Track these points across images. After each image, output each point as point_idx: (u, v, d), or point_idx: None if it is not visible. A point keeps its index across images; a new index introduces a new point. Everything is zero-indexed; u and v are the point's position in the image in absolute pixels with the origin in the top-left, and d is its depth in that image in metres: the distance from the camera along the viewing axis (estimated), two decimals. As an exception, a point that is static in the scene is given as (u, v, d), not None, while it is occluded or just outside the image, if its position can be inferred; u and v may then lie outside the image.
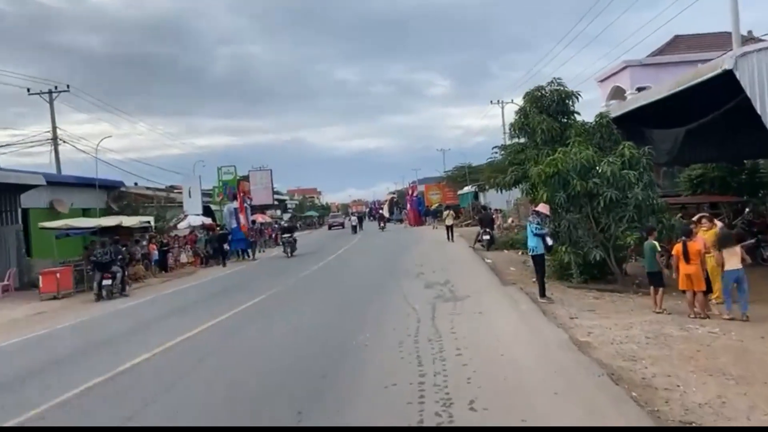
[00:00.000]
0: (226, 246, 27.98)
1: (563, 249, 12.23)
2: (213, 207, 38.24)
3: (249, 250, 28.98)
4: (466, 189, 53.29)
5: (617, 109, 16.36)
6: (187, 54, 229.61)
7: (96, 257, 16.35)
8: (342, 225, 56.39)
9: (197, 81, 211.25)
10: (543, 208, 11.14)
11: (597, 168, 12.71)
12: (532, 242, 10.86)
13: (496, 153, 34.02)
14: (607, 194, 11.98)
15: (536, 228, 10.80)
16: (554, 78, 15.88)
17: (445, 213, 33.61)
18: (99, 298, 16.09)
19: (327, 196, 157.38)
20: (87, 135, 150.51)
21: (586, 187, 12.25)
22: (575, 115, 15.93)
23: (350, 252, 26.41)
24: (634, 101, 15.79)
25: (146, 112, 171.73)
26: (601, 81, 32.39)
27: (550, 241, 11.02)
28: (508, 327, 8.64)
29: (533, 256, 11.08)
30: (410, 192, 61.08)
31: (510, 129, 16.86)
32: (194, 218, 31.38)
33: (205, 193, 38.68)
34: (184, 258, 25.92)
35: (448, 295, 11.63)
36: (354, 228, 46.33)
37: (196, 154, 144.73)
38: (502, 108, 58.23)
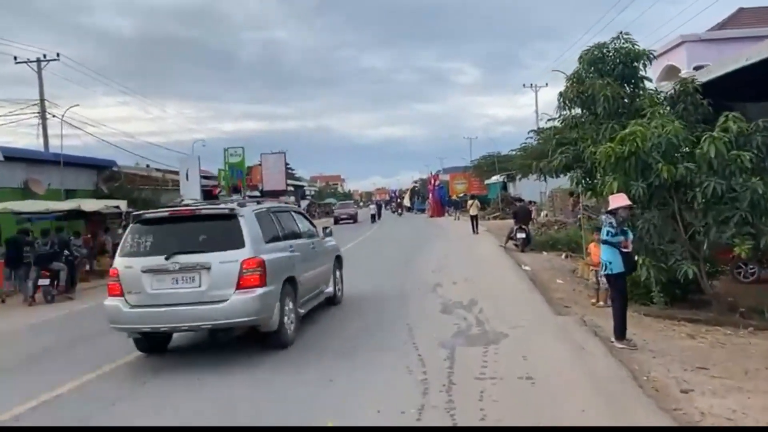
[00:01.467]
0: None
1: (640, 261, 8.60)
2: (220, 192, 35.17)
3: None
4: (495, 178, 49.45)
5: (701, 76, 12.57)
6: (215, 39, 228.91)
7: (31, 250, 13.18)
8: (353, 219, 46.08)
9: (225, 66, 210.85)
10: (619, 200, 7.47)
11: (686, 148, 9.09)
12: (607, 255, 7.20)
13: (531, 138, 30.26)
14: (709, 185, 8.32)
15: (611, 232, 7.15)
16: (620, 32, 12.08)
17: (470, 202, 30.06)
18: (33, 301, 12.92)
19: (350, 184, 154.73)
20: (115, 119, 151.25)
21: (675, 175, 8.62)
22: (645, 81, 12.19)
23: (359, 247, 23.00)
24: (723, 65, 11.95)
25: (175, 96, 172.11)
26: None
27: (633, 254, 7.38)
28: (584, 417, 4.81)
29: (607, 277, 7.43)
30: (432, 181, 57.39)
31: (560, 100, 13.01)
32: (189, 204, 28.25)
33: (208, 176, 35.66)
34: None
35: (474, 331, 7.92)
36: (372, 217, 44.33)
37: (223, 140, 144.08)
38: (536, 92, 54.35)
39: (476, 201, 29.80)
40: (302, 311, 8.28)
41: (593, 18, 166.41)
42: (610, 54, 11.99)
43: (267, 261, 7.08)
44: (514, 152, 31.02)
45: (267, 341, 7.34)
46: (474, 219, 27.36)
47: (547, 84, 55.32)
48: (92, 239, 17.74)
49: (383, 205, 66.84)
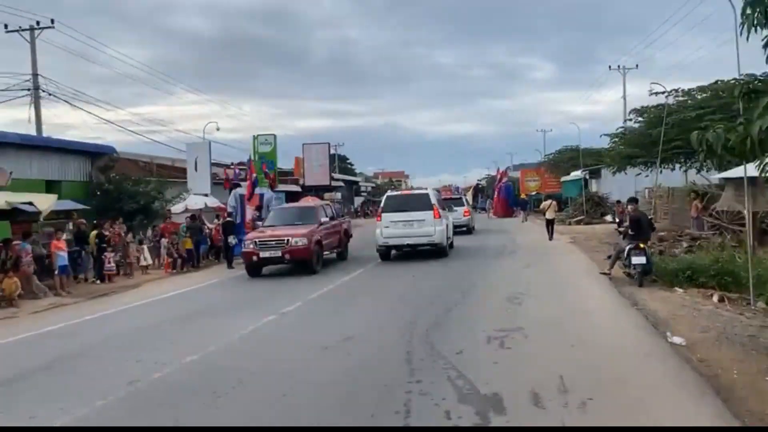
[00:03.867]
0: (231, 239, 19.30)
1: None
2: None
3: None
4: (574, 174, 41.95)
5: None
6: (290, 38, 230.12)
7: None
8: None
9: (299, 65, 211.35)
10: None
11: None
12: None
13: (631, 120, 23.04)
14: None
15: None
16: None
17: (545, 203, 23.68)
18: None
19: (416, 181, 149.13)
20: (197, 115, 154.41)
21: None
22: None
23: (391, 265, 16.73)
24: None
25: (251, 94, 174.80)
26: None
27: None
28: None
29: None
30: (499, 178, 50.32)
31: (742, 22, 6.22)
32: (195, 199, 22.94)
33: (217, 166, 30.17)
34: (149, 258, 17.41)
35: None
36: None
37: (296, 137, 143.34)
38: (624, 74, 46.35)
39: (553, 201, 23.62)
40: (451, 240, 18.51)
41: (672, 10, 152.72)
42: None
43: (442, 214, 16.94)
44: (611, 140, 23.72)
45: (440, 253, 16.68)
46: (550, 224, 22.33)
47: (637, 66, 47.32)
48: (2, 249, 12.39)
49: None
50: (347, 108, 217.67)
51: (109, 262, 15.22)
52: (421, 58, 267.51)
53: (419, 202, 17.00)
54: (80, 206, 17.82)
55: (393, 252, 17.15)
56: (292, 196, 39.25)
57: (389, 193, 19.54)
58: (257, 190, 23.10)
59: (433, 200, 17.04)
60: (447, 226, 17.56)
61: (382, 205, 17.77)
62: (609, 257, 12.61)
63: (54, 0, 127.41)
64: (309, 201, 38.80)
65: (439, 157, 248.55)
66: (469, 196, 65.32)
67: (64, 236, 14.84)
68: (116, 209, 22.91)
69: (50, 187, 21.60)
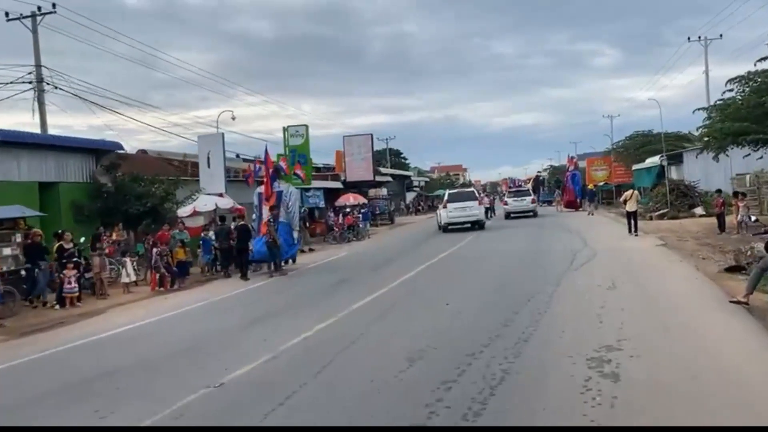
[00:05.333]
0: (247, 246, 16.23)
1: None
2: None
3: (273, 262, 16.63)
4: (650, 161, 36.73)
5: None
6: (346, 35, 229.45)
7: None
8: None
9: (356, 62, 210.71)
10: None
11: None
12: None
13: (732, 91, 18.24)
14: None
15: None
16: None
17: (627, 193, 20.33)
18: None
19: (474, 174, 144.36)
20: (256, 116, 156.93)
21: None
22: None
23: (411, 285, 13.02)
24: None
25: (310, 93, 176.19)
26: None
27: None
28: None
29: None
30: (569, 166, 45.26)
31: None
32: (205, 199, 19.88)
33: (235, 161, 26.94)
34: (132, 274, 14.32)
35: None
36: (487, 211, 34.91)
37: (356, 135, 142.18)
38: (705, 46, 40.59)
39: (635, 192, 21.01)
40: (490, 220, 32.44)
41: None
42: None
43: (481, 203, 28.94)
44: (707, 116, 19.01)
45: (482, 227, 26.14)
46: (632, 216, 19.51)
47: (721, 36, 41.43)
48: None
49: (495, 199, 55.77)
50: (405, 103, 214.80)
51: (70, 282, 12.18)
52: (479, 49, 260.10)
53: (469, 195, 28.26)
54: (32, 213, 14.88)
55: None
56: (332, 194, 36.00)
57: (450, 190, 32.40)
58: (276, 187, 19.74)
59: (476, 194, 29.50)
60: (483, 209, 29.91)
61: (446, 198, 28.19)
62: (733, 268, 8.46)
63: (119, 4, 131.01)
64: (350, 199, 35.71)
65: (499, 150, 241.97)
66: (530, 189, 60.82)
67: (8, 251, 11.88)
68: (121, 212, 20.27)
69: (45, 190, 19.09)
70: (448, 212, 26.34)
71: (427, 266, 14.80)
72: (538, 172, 68.14)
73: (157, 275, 14.33)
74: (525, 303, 8.97)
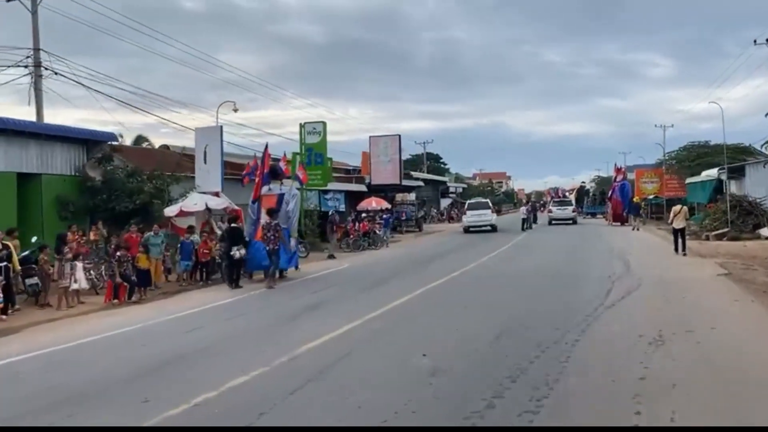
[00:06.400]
0: (237, 252, 14.14)
1: None
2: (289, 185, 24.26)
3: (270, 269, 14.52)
4: (706, 174, 33.08)
5: None
6: (395, 40, 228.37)
7: None
8: (490, 226, 34.19)
9: (404, 67, 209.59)
10: None
11: None
12: None
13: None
14: None
15: None
16: None
17: (676, 208, 18.38)
18: None
19: (518, 183, 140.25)
20: (305, 118, 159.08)
21: None
22: None
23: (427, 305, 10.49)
24: None
25: (357, 97, 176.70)
26: None
27: None
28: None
29: None
30: (616, 176, 41.63)
31: None
32: (195, 198, 17.78)
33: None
34: (83, 281, 12.23)
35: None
36: (523, 223, 34.87)
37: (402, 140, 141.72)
38: (775, 50, 36.47)
39: (684, 208, 18.79)
40: (527, 230, 33.63)
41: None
42: None
43: (493, 210, 37.42)
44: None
45: (494, 230, 32.70)
46: (680, 234, 17.80)
47: (794, 37, 37.22)
48: None
49: (539, 208, 52.56)
50: (451, 109, 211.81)
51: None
52: (529, 56, 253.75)
53: (484, 205, 35.65)
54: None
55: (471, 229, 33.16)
56: (355, 197, 33.68)
57: (469, 201, 39.35)
58: (277, 189, 17.48)
59: (489, 204, 36.82)
60: (495, 216, 35.42)
61: (466, 207, 36.35)
62: None
63: (174, 8, 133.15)
64: (372, 203, 33.36)
65: (547, 159, 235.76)
66: (571, 200, 57.58)
67: None
68: (108, 210, 18.43)
69: (25, 182, 17.41)
70: (467, 218, 34.07)
71: (427, 290, 12.18)
72: (582, 182, 64.20)
73: (114, 284, 12.22)
74: (530, 363, 6.31)
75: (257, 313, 10.78)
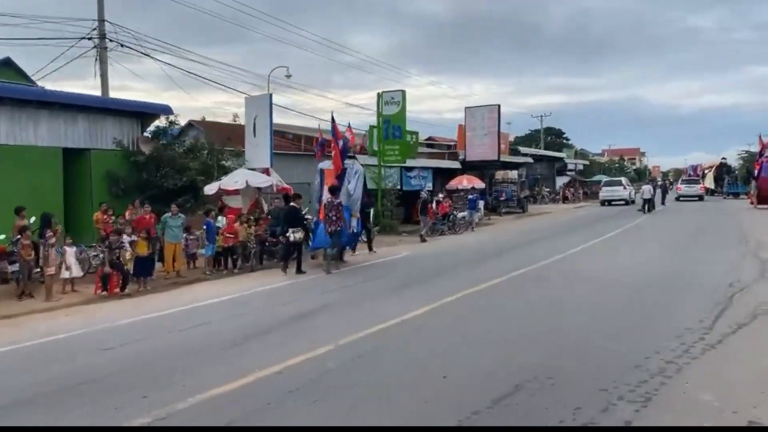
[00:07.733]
0: (294, 235, 12.32)
1: None
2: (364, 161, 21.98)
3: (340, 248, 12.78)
4: None
5: None
6: (523, 13, 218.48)
7: None
8: (625, 201, 38.67)
9: (531, 40, 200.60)
10: None
11: None
12: None
13: None
14: None
15: None
16: None
17: None
18: None
19: (654, 159, 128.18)
20: (426, 97, 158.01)
21: None
22: None
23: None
24: None
25: (482, 73, 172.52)
26: None
27: None
28: None
29: None
30: (762, 150, 34.81)
31: None
32: (237, 175, 15.94)
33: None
34: (74, 268, 10.76)
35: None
36: (645, 203, 29.94)
37: (523, 115, 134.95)
38: None
39: None
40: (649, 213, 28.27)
41: None
42: None
43: (628, 187, 40.88)
44: None
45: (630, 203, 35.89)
46: None
47: None
48: None
49: (668, 187, 46.44)
50: (583, 82, 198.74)
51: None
52: (673, 23, 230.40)
53: (618, 182, 40.37)
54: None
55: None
56: (445, 174, 30.63)
57: (605, 179, 45.48)
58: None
59: (624, 183, 40.50)
60: (630, 192, 39.07)
61: (602, 183, 41.89)
62: None
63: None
64: (464, 182, 30.18)
65: (691, 134, 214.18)
66: (709, 178, 50.24)
67: None
68: (158, 187, 17.28)
69: (72, 157, 16.65)
70: (603, 193, 39.45)
71: (467, 294, 9.23)
72: (723, 158, 55.64)
73: (107, 273, 10.62)
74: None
75: (274, 310, 8.55)
